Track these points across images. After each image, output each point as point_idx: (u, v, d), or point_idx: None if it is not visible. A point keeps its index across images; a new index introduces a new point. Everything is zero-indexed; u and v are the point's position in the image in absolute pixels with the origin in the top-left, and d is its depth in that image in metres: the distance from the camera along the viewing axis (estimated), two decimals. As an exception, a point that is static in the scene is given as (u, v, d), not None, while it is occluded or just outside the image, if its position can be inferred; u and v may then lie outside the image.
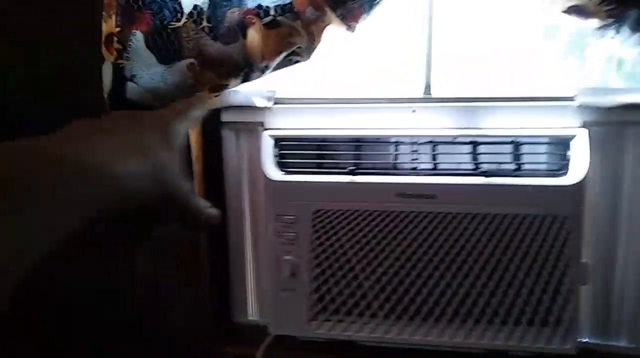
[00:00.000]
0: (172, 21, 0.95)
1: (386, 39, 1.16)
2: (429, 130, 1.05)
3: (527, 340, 1.00)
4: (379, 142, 1.09)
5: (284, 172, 1.09)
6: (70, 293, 1.05)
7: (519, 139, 1.02)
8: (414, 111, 1.06)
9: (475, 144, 1.04)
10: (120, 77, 0.97)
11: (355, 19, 0.89)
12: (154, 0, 0.95)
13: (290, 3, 0.90)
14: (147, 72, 0.97)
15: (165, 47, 0.96)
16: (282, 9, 0.91)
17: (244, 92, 1.08)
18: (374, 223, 1.04)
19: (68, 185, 0.32)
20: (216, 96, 1.00)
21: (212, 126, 1.14)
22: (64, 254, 0.35)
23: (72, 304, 1.07)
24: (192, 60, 0.96)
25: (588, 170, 0.98)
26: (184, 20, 0.95)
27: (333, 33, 0.93)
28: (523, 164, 1.03)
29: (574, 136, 0.99)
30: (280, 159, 1.10)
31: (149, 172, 0.39)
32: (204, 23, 0.94)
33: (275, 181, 1.08)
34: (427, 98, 1.09)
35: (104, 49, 0.98)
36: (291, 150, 1.10)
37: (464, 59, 1.15)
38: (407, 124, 1.06)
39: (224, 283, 1.21)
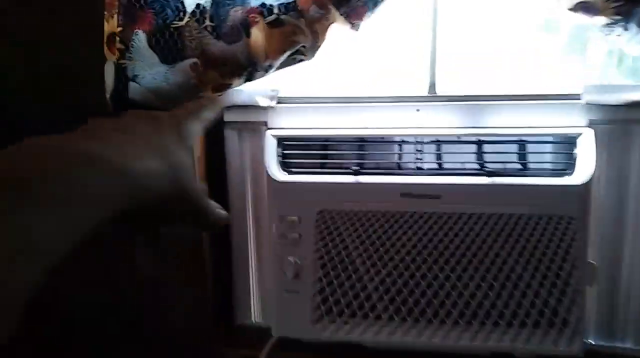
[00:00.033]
0: (175, 20, 0.94)
1: (390, 37, 1.16)
2: (434, 130, 1.05)
3: (533, 342, 0.99)
4: (383, 141, 1.08)
5: (287, 172, 1.08)
6: (71, 293, 1.04)
7: (524, 138, 1.02)
8: (418, 110, 1.05)
9: (480, 143, 1.03)
10: (123, 77, 0.96)
11: (360, 17, 0.89)
12: (156, 0, 0.94)
13: (294, 1, 0.89)
14: (150, 71, 0.96)
15: (168, 46, 0.95)
16: (286, 7, 0.90)
17: (246, 91, 1.07)
18: (378, 223, 1.03)
19: (94, 183, 0.32)
20: (219, 96, 1.00)
21: (215, 126, 1.13)
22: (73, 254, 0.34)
23: (73, 304, 1.06)
24: (195, 59, 0.95)
25: (594, 170, 0.97)
26: (186, 19, 0.94)
27: (337, 31, 0.92)
28: (529, 163, 1.02)
29: (580, 135, 0.98)
30: (284, 158, 1.09)
31: (166, 172, 0.39)
32: (207, 22, 0.94)
33: (279, 181, 1.07)
34: (432, 97, 1.08)
35: (106, 49, 0.97)
36: (294, 150, 1.09)
37: (469, 57, 1.14)
38: (411, 123, 1.05)
39: (227, 285, 1.21)
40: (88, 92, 0.97)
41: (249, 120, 1.12)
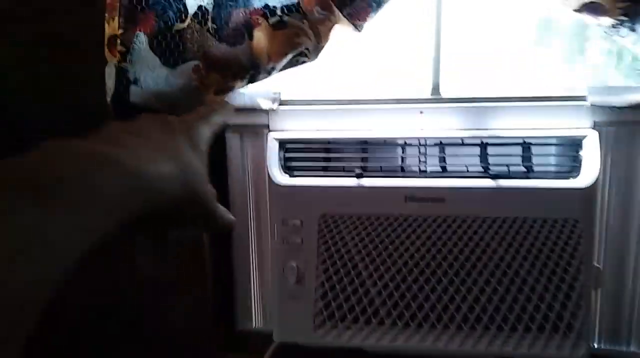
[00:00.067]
0: (177, 22, 0.94)
1: (393, 39, 1.15)
2: (437, 132, 1.04)
3: (538, 346, 0.98)
4: (386, 144, 1.07)
5: (289, 176, 1.07)
6: (72, 293, 1.03)
7: (528, 140, 1.01)
8: (421, 112, 1.04)
9: (484, 146, 1.02)
10: (124, 79, 0.96)
11: (363, 18, 0.88)
12: (158, 1, 0.94)
13: (298, 3, 0.89)
14: (151, 74, 0.95)
15: (170, 49, 0.95)
16: (289, 8, 0.89)
17: (248, 93, 1.07)
18: (381, 227, 1.02)
19: (110, 186, 0.33)
20: (221, 99, 0.99)
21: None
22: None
23: (73, 304, 1.06)
24: (197, 62, 0.94)
25: (599, 172, 0.96)
26: (188, 21, 0.94)
27: (340, 33, 0.91)
28: (533, 165, 1.01)
29: (585, 137, 0.98)
30: (286, 162, 1.08)
31: (178, 175, 0.40)
32: (209, 24, 0.93)
33: (281, 185, 1.06)
34: (435, 99, 1.08)
35: (107, 51, 0.97)
36: (297, 153, 1.08)
37: (472, 59, 1.14)
38: (414, 126, 1.05)
39: (228, 290, 1.19)
40: (88, 92, 0.97)
41: (250, 123, 1.11)
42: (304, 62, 0.94)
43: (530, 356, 0.99)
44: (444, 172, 1.04)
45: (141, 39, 0.95)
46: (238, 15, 0.91)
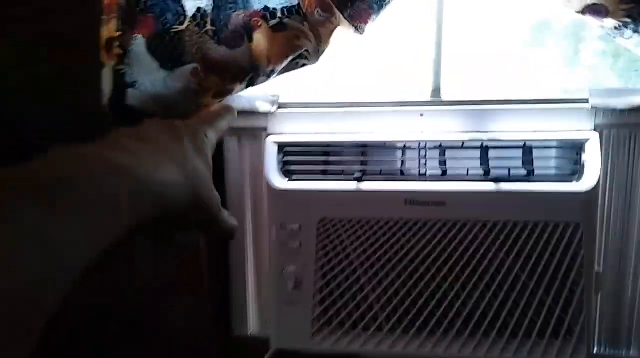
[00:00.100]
0: (175, 25, 0.93)
1: (394, 41, 1.15)
2: (438, 135, 1.03)
3: (538, 352, 0.98)
4: (386, 147, 1.06)
5: (287, 179, 1.07)
6: (71, 293, 1.03)
7: (529, 143, 1.01)
8: (422, 115, 1.04)
9: (485, 149, 1.02)
10: (121, 83, 0.94)
11: (364, 20, 0.87)
12: (156, 3, 0.93)
13: (298, 5, 0.88)
14: (149, 77, 0.94)
15: (168, 51, 0.94)
16: (289, 11, 0.89)
17: (246, 96, 1.06)
18: (381, 231, 1.01)
19: (119, 192, 0.33)
20: (220, 102, 0.98)
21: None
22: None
23: (73, 303, 1.05)
24: (195, 65, 0.93)
25: (600, 175, 0.96)
26: (187, 23, 0.93)
27: (341, 35, 0.91)
28: (534, 169, 1.01)
29: (586, 140, 0.97)
30: (284, 165, 1.08)
31: (185, 182, 0.41)
32: (208, 26, 0.92)
33: (279, 189, 1.05)
34: (436, 101, 1.07)
35: (104, 54, 0.95)
36: (295, 157, 1.07)
37: (473, 62, 1.14)
38: (415, 129, 1.04)
39: (225, 295, 1.18)
40: (88, 92, 0.96)
41: (248, 126, 1.10)
42: (304, 64, 0.93)
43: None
44: (444, 176, 1.04)
45: (139, 42, 0.93)
46: (237, 17, 0.91)
